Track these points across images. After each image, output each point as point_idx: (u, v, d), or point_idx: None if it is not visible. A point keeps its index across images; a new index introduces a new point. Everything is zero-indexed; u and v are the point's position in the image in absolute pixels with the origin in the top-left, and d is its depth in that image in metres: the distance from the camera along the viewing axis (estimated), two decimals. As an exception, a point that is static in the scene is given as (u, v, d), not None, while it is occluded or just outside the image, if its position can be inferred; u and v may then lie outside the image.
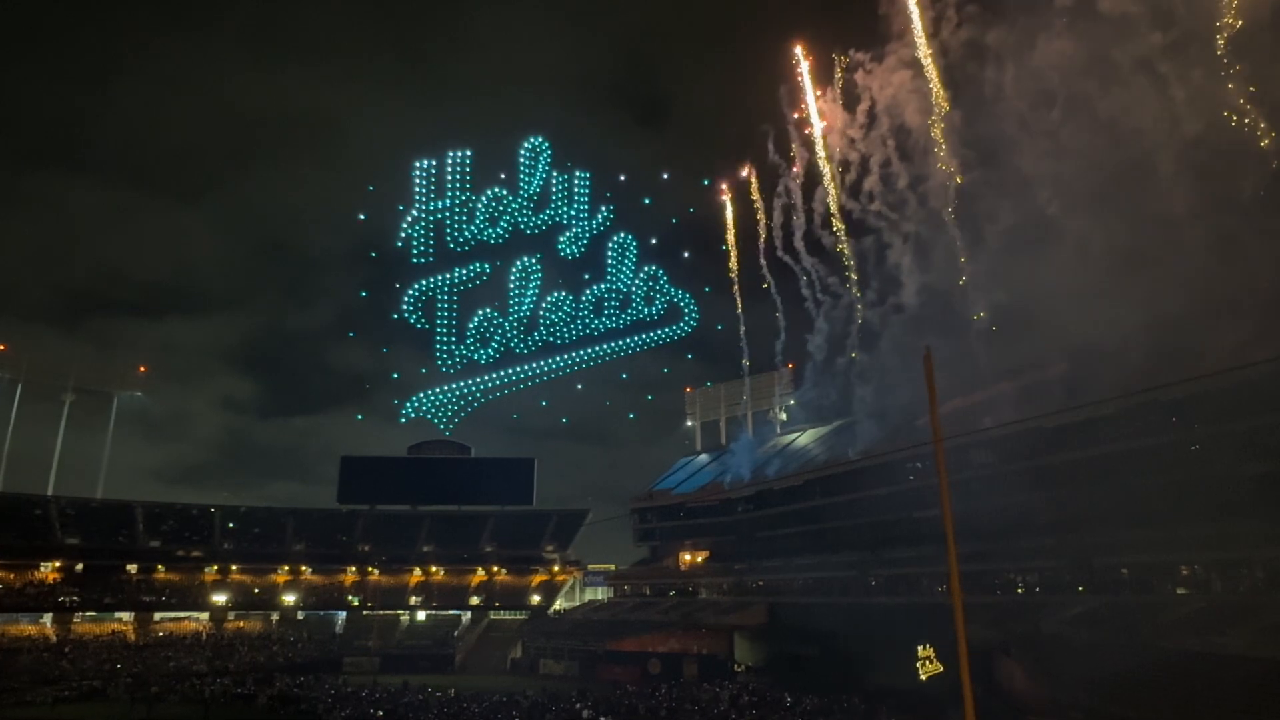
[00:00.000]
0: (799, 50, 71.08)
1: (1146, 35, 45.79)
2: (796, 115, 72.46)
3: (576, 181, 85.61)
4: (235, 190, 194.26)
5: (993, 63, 54.64)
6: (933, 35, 61.49)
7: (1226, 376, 39.17)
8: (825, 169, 70.60)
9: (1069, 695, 35.66)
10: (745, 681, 58.28)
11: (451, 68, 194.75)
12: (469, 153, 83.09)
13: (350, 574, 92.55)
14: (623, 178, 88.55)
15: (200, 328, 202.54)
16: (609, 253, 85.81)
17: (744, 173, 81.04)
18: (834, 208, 70.92)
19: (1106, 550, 45.39)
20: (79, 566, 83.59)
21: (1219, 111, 44.48)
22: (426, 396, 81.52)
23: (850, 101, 68.47)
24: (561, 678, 69.31)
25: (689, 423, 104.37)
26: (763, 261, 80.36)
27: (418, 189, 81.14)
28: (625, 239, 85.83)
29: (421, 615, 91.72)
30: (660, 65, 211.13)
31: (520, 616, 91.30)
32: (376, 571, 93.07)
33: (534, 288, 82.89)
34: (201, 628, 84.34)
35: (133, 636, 80.00)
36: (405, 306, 79.68)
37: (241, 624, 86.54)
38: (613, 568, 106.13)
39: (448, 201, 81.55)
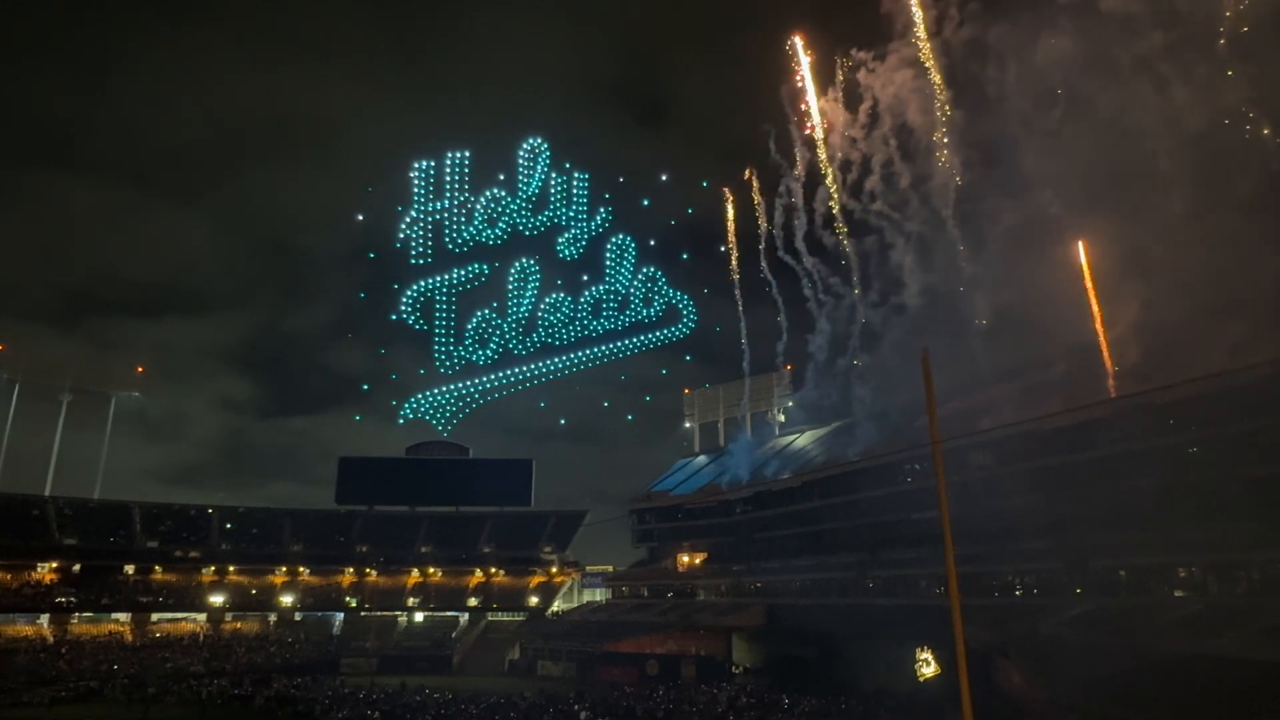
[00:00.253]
0: (798, 41, 70.28)
1: (1148, 34, 45.86)
2: (797, 115, 72.32)
3: (575, 182, 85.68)
4: (234, 190, 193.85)
5: (995, 61, 54.72)
6: (935, 34, 61.45)
7: (1223, 379, 39.40)
8: (826, 171, 70.49)
9: (1066, 697, 35.72)
10: (743, 683, 58.24)
11: (450, 68, 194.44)
12: (467, 153, 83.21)
13: (348, 575, 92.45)
14: (622, 179, 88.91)
15: (198, 328, 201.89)
16: (607, 254, 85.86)
17: (745, 175, 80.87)
18: (835, 209, 70.81)
19: (1104, 552, 45.43)
20: (76, 567, 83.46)
21: (1220, 111, 44.50)
22: (425, 397, 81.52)
23: (852, 101, 68.40)
24: (559, 679, 69.24)
25: (687, 424, 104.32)
26: (763, 262, 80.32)
27: (416, 190, 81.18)
28: (624, 240, 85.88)
29: (419, 616, 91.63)
30: (660, 65, 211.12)
31: (518, 618, 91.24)
32: (374, 572, 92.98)
33: (532, 289, 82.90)
34: (199, 628, 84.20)
35: (130, 637, 79.87)
36: (404, 307, 79.68)
37: (239, 625, 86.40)
38: (611, 569, 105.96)
39: (446, 202, 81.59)
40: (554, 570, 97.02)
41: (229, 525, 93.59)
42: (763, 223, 78.64)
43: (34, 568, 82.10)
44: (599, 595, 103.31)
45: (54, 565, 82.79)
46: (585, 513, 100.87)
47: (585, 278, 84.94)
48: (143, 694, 56.48)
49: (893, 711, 40.99)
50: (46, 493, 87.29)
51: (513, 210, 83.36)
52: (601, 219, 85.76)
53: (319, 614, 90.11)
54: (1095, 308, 50.99)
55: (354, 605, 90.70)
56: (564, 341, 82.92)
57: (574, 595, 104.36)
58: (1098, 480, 45.80)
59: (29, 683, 62.99)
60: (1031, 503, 49.80)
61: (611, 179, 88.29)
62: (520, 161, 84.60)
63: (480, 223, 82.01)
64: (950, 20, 59.82)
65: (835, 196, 70.34)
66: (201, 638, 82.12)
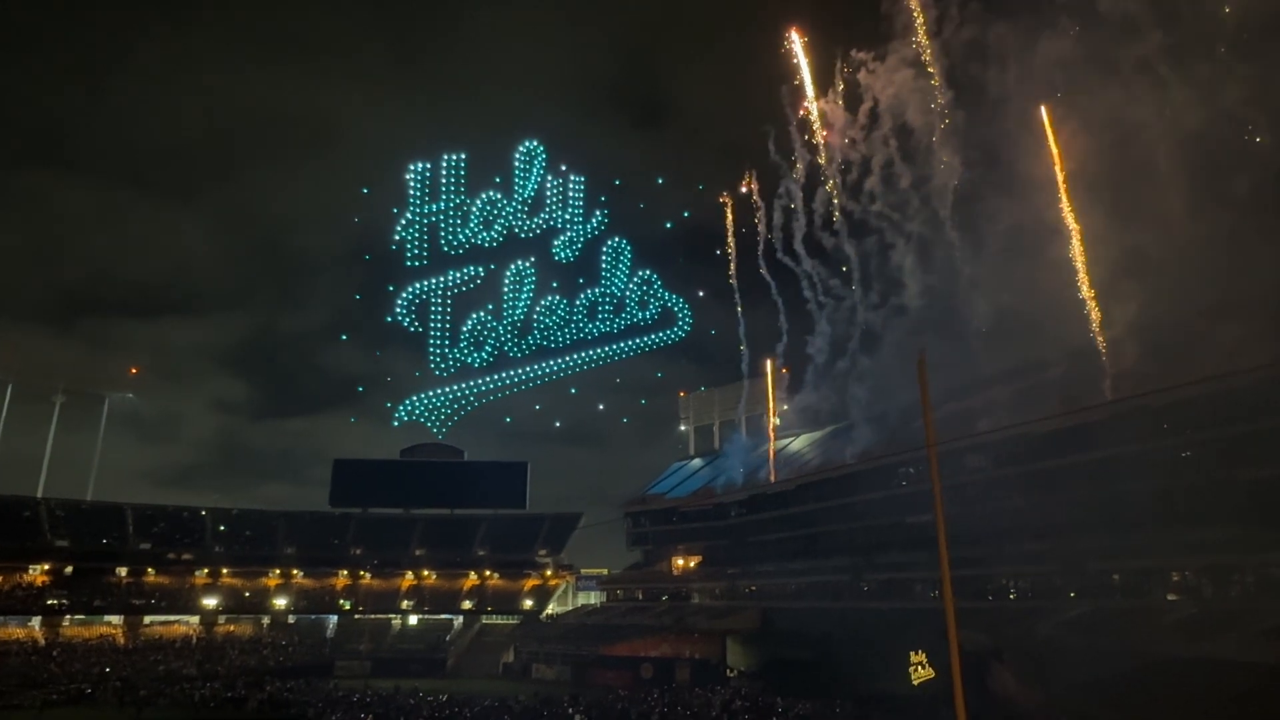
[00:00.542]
0: (795, 34, 69.48)
1: (1148, 35, 45.94)
2: (798, 115, 72.07)
3: (571, 185, 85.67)
4: (229, 191, 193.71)
5: (995, 61, 54.73)
6: (935, 34, 61.38)
7: (1218, 383, 39.43)
8: (826, 173, 70.40)
9: (1062, 700, 35.69)
10: (737, 686, 58.06)
11: (449, 69, 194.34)
12: (464, 156, 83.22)
13: (342, 577, 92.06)
14: (619, 182, 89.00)
15: (193, 329, 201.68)
16: (603, 257, 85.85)
17: (744, 177, 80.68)
18: (835, 210, 70.67)
19: (1099, 555, 45.47)
20: (68, 569, 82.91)
21: (1218, 111, 44.53)
22: (420, 399, 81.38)
23: (852, 102, 68.29)
24: (554, 682, 69.01)
25: (682, 427, 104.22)
26: (761, 264, 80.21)
27: (412, 192, 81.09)
28: (619, 243, 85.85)
29: (413, 619, 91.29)
30: (660, 67, 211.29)
31: (512, 621, 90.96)
32: (368, 575, 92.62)
33: (528, 291, 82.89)
34: (191, 631, 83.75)
35: (122, 640, 79.43)
36: (399, 309, 79.57)
37: (232, 627, 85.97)
38: (605, 572, 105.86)
39: (442, 204, 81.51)
40: (549, 573, 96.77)
41: (222, 527, 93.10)
42: (761, 226, 78.64)
43: (26, 569, 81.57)
44: (594, 598, 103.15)
45: (46, 567, 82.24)
46: (580, 515, 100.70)
47: (581, 280, 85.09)
48: (135, 697, 56.20)
49: (887, 715, 40.84)
50: (39, 494, 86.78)
51: (509, 213, 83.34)
52: (597, 222, 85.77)
53: (313, 617, 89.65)
54: (1094, 309, 50.93)
55: (348, 608, 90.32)
56: (559, 344, 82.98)
57: (569, 598, 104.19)
58: (1093, 483, 45.87)
59: (20, 685, 62.50)
60: (1027, 505, 49.84)
61: (609, 182, 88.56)
62: (516, 164, 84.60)
63: (476, 225, 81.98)
64: (950, 20, 59.89)
65: (835, 196, 70.19)
66: (194, 640, 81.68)
